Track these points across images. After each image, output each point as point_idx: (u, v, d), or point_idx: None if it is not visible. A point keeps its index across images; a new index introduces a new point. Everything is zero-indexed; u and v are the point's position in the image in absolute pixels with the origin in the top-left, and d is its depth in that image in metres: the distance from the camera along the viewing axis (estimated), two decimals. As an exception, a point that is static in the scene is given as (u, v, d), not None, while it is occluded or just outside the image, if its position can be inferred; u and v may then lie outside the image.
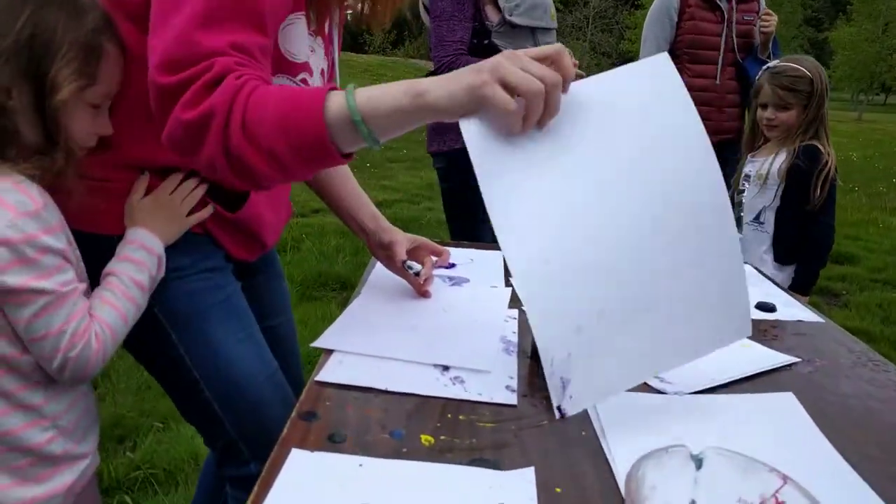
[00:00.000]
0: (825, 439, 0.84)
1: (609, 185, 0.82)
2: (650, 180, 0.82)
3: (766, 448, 0.82)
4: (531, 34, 2.37)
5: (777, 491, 0.63)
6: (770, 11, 2.80)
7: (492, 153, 0.80)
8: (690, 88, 3.15)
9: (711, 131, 3.10)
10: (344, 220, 1.33)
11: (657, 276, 0.82)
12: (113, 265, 0.96)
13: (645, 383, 0.97)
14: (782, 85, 2.09)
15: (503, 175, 0.80)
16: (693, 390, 0.96)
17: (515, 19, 2.32)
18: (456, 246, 1.63)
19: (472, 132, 0.81)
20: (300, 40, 0.99)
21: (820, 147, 2.07)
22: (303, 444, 0.78)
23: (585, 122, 0.82)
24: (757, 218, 2.17)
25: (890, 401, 0.97)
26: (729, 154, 3.00)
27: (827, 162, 2.04)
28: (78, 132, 0.93)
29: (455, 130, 2.64)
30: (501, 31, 2.33)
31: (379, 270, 1.38)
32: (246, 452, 1.04)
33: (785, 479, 0.63)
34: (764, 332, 1.21)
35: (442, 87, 0.77)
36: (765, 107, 2.15)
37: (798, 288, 2.10)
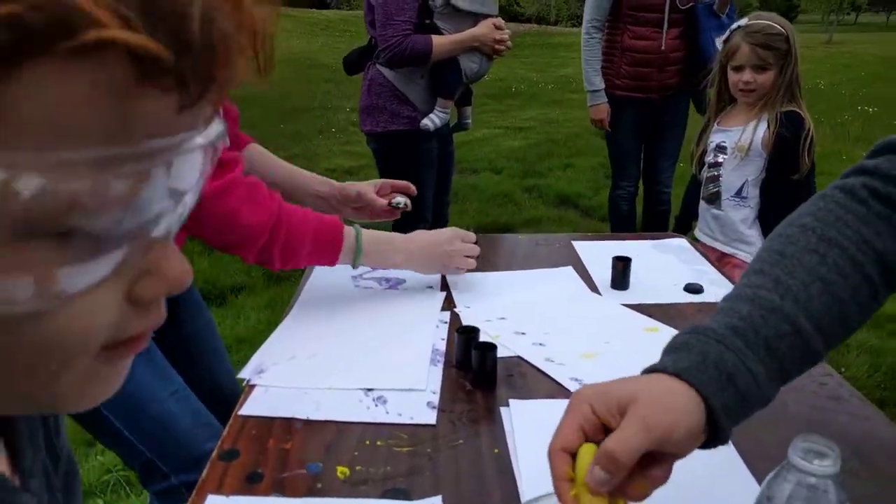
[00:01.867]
0: (730, 444, 0.88)
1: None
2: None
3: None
4: (473, 19, 2.33)
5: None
6: None
7: (318, 293, 1.33)
8: (633, 50, 3.15)
9: (654, 90, 3.11)
10: (297, 199, 1.36)
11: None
12: None
13: (563, 387, 1.01)
14: (761, 43, 1.95)
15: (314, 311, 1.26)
16: (609, 392, 0.99)
17: (459, 3, 2.28)
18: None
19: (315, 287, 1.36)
20: None
21: (801, 113, 1.97)
22: (220, 488, 0.80)
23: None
24: (738, 192, 2.05)
25: (800, 389, 1.01)
26: (673, 104, 3.03)
27: (809, 128, 1.96)
28: None
29: (388, 111, 2.61)
30: (445, 12, 2.30)
31: (313, 284, 1.39)
32: (164, 468, 1.08)
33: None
34: (690, 317, 1.24)
35: (416, 264, 1.28)
36: (739, 69, 2.00)
37: None
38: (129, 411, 1.03)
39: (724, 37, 2.09)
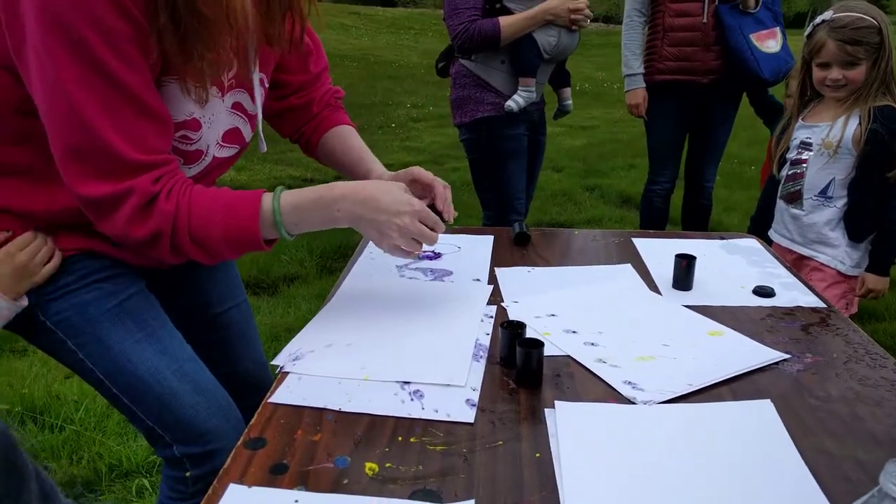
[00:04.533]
0: (801, 460, 0.78)
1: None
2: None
3: (732, 465, 0.77)
4: None
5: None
6: None
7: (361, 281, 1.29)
8: (672, 29, 3.07)
9: (700, 72, 3.02)
10: (360, 176, 1.28)
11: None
12: None
13: (615, 391, 0.93)
14: (849, 39, 1.79)
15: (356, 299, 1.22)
16: (665, 398, 0.91)
17: None
18: (445, 232, 1.58)
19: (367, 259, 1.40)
20: (176, 100, 0.97)
21: None
22: (243, 478, 0.76)
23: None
24: (823, 192, 1.90)
25: (881, 403, 0.90)
26: (723, 97, 2.87)
27: None
28: None
29: (473, 100, 2.59)
30: None
31: (357, 272, 1.35)
32: (166, 437, 1.07)
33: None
34: (758, 322, 1.14)
35: (359, 223, 1.03)
36: (825, 66, 1.86)
37: (876, 268, 1.89)
38: (128, 385, 1.03)
39: (806, 31, 1.94)
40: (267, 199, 1.00)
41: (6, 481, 0.43)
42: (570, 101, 2.62)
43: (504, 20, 2.22)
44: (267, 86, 1.14)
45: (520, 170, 2.45)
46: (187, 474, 1.08)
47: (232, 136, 1.09)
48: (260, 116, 1.12)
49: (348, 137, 1.32)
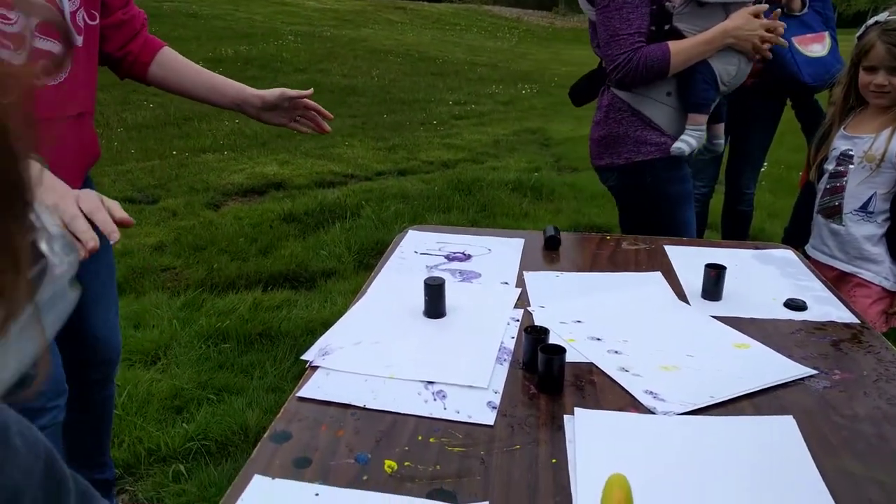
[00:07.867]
0: (820, 479, 0.78)
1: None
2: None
3: (749, 481, 0.77)
4: (723, 10, 1.83)
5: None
6: None
7: (392, 280, 1.34)
8: None
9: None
10: (225, 104, 1.46)
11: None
12: None
13: (636, 400, 0.94)
14: None
15: (386, 297, 1.27)
16: (686, 409, 0.91)
17: None
18: (476, 234, 1.60)
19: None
20: None
21: None
22: (267, 469, 0.79)
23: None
24: (864, 207, 1.85)
25: (908, 425, 0.89)
26: (765, 100, 2.84)
27: None
28: None
29: (632, 140, 2.01)
30: (686, 11, 1.82)
31: (388, 271, 1.37)
32: None
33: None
34: (787, 336, 1.13)
35: None
36: (872, 70, 1.79)
37: None
38: None
39: (858, 32, 1.89)
40: None
41: (50, 493, 0.46)
42: (721, 140, 2.08)
43: (674, 45, 1.78)
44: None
45: (693, 217, 2.02)
46: None
47: (46, 28, 1.19)
48: (67, 9, 1.23)
49: (181, 61, 1.47)
